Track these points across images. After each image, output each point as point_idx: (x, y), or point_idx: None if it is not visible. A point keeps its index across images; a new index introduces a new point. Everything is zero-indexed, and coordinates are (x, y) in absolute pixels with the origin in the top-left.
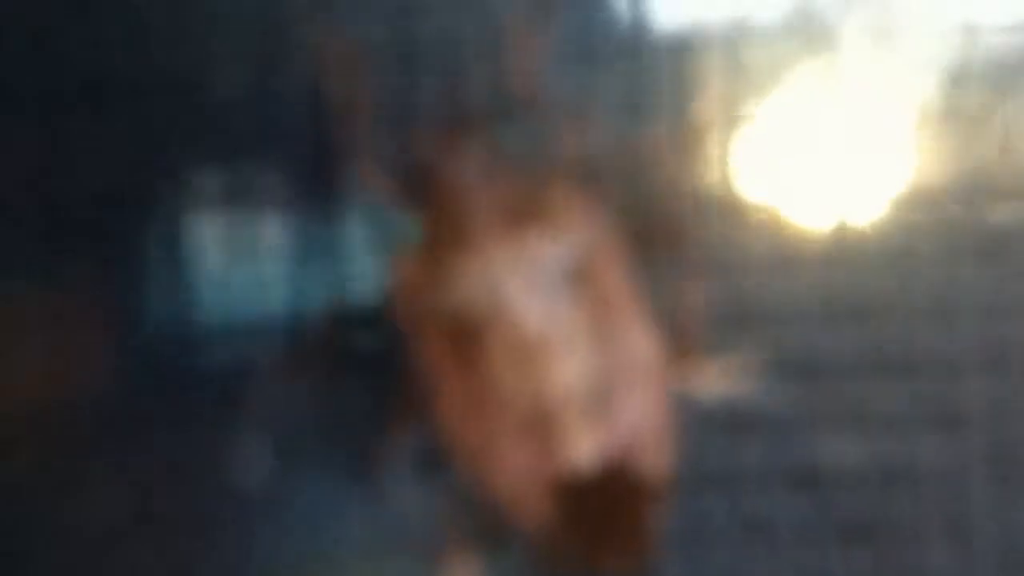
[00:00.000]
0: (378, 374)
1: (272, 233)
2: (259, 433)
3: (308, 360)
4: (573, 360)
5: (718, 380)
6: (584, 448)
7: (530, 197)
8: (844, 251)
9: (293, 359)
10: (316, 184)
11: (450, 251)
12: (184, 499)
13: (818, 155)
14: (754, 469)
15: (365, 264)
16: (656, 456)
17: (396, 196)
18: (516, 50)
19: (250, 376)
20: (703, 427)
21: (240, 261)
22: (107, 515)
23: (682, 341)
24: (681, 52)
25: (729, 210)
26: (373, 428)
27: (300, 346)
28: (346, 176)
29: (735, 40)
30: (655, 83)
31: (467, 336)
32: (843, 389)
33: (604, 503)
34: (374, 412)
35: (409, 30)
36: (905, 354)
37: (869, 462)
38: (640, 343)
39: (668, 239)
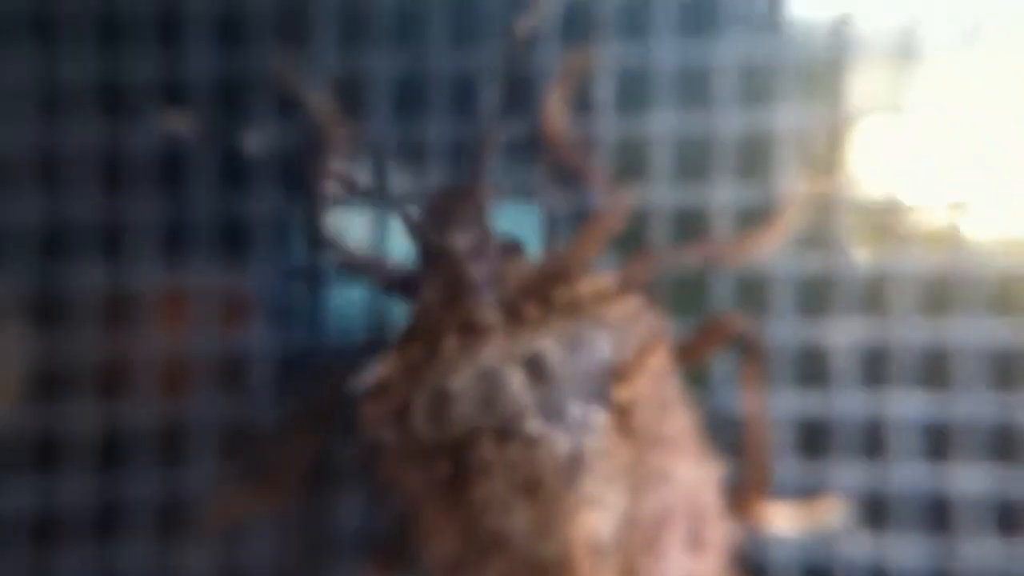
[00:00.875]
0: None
1: None
2: None
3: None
4: (601, 500)
5: (793, 523)
6: None
7: (553, 284)
8: None
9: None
10: None
11: (444, 350)
12: None
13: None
14: None
15: None
16: None
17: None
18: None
19: None
20: None
21: None
22: None
23: (748, 476)
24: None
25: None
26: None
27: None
28: None
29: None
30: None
31: (465, 462)
32: None
33: None
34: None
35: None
36: None
37: None
38: (689, 480)
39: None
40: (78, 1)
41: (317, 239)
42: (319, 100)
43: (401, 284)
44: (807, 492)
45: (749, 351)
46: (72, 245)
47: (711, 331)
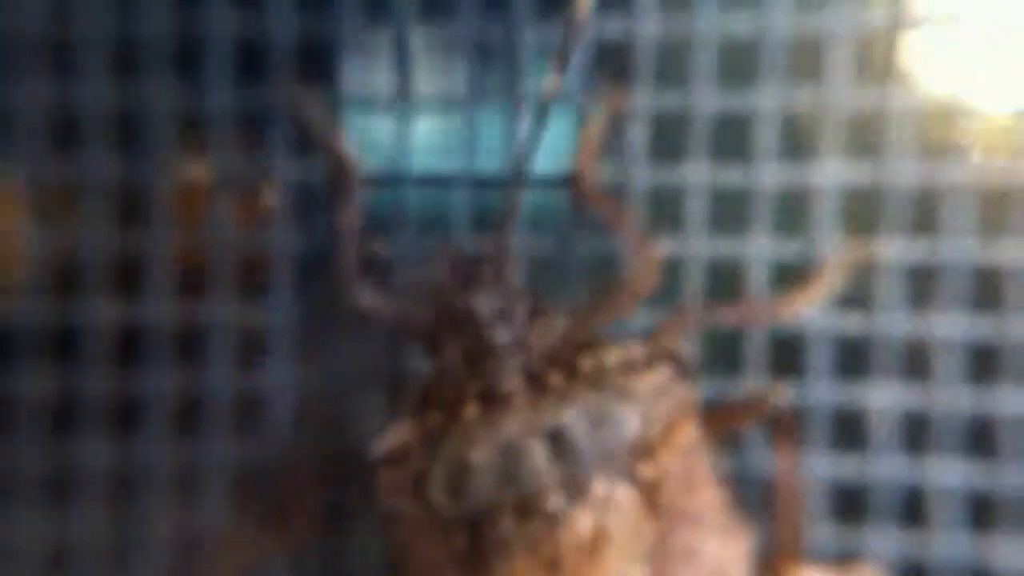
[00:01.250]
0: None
1: None
2: None
3: None
4: None
5: None
6: None
7: (579, 351)
8: None
9: None
10: None
11: (464, 419)
12: None
13: None
14: None
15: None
16: None
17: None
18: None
19: None
20: None
21: None
22: None
23: (780, 542)
24: None
25: None
26: None
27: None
28: None
29: None
30: None
31: (483, 537)
32: None
33: None
34: None
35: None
36: None
37: None
38: (718, 558)
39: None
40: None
41: (340, 284)
42: (338, 138)
43: (423, 338)
44: (842, 558)
45: (781, 423)
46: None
47: (743, 404)
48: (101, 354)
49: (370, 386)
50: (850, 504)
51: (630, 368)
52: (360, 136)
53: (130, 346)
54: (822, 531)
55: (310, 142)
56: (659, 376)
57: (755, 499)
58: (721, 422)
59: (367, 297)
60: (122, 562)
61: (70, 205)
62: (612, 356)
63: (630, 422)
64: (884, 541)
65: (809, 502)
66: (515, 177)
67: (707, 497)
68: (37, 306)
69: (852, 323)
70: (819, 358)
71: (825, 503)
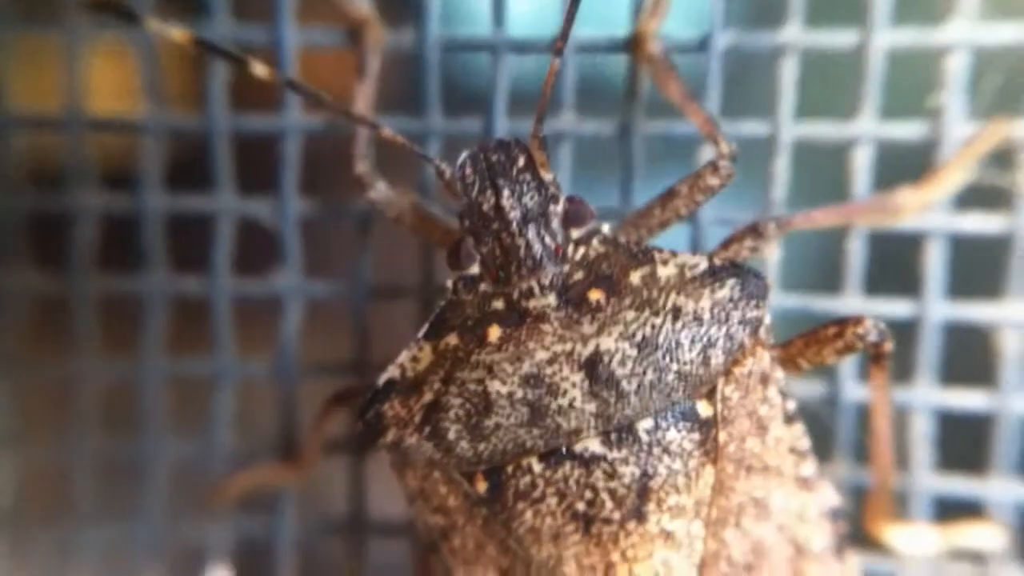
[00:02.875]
0: None
1: None
2: None
3: None
4: (677, 539)
5: (931, 549)
6: None
7: (628, 262)
8: None
9: None
10: None
11: (485, 342)
12: None
13: None
14: None
15: None
16: None
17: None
18: None
19: None
20: None
21: None
22: None
23: (876, 495)
24: None
25: None
26: None
27: None
28: None
29: None
30: None
31: (505, 484)
32: None
33: None
34: None
35: None
36: None
37: None
38: (791, 513)
39: None
40: None
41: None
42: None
43: (443, 244)
44: (956, 511)
45: (878, 359)
46: None
47: (832, 334)
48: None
49: (397, 298)
50: (967, 447)
51: (689, 283)
52: None
53: (124, 246)
54: (931, 480)
55: None
56: (725, 293)
57: (848, 438)
58: (804, 352)
59: (381, 191)
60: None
61: None
62: (668, 268)
63: (686, 348)
64: (1007, 491)
65: (918, 445)
66: (557, 39)
67: (779, 440)
68: None
69: (980, 224)
70: (936, 270)
71: (938, 445)
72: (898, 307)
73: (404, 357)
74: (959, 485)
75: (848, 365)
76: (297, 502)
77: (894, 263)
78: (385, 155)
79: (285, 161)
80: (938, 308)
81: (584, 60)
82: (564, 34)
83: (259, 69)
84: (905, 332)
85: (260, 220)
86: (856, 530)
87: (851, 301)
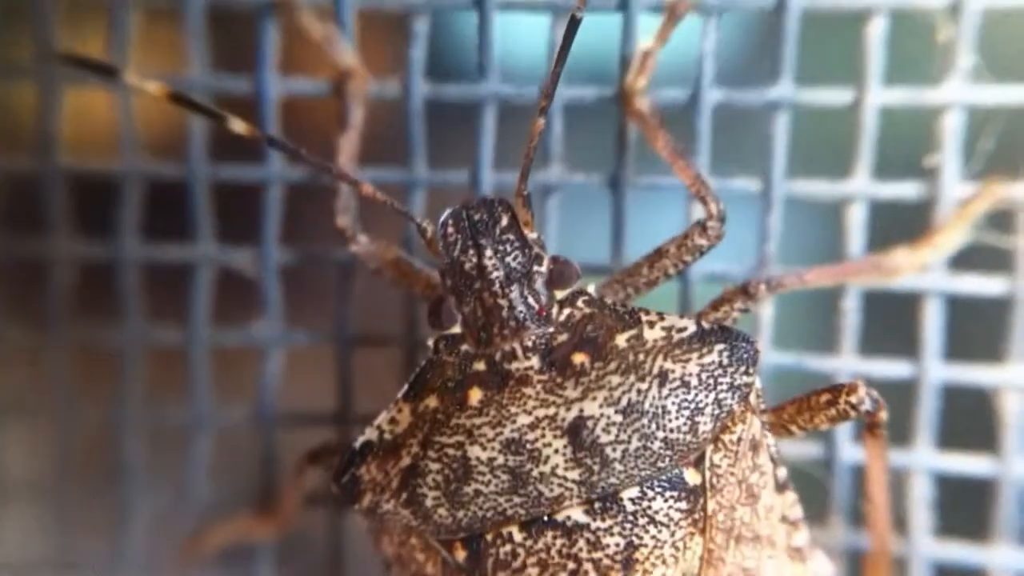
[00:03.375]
0: None
1: None
2: None
3: None
4: None
5: None
6: None
7: (614, 325)
8: None
9: None
10: None
11: (466, 406)
12: None
13: None
14: None
15: None
16: None
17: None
18: None
19: None
20: None
21: None
22: None
23: (873, 563)
24: None
25: None
26: None
27: None
28: None
29: None
30: None
31: (485, 553)
32: None
33: None
34: None
35: None
36: None
37: None
38: None
39: None
40: None
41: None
42: (340, 47)
43: (425, 302)
44: None
45: (872, 428)
46: None
47: (824, 402)
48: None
49: (381, 347)
50: (969, 513)
51: (676, 346)
52: None
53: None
54: (931, 545)
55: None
56: (713, 358)
57: (844, 501)
58: (795, 419)
59: (363, 243)
60: None
61: None
62: (654, 331)
63: (673, 414)
64: (1010, 558)
65: (917, 510)
66: (541, 98)
67: (771, 509)
68: None
69: (978, 286)
70: (934, 331)
71: (940, 510)
72: (895, 368)
73: (382, 419)
74: (960, 551)
75: (844, 427)
76: (275, 555)
77: (890, 321)
78: (370, 205)
79: (267, 210)
80: (937, 369)
81: (572, 107)
82: (549, 93)
83: (237, 125)
84: (903, 392)
85: (241, 270)
86: None
87: (846, 360)
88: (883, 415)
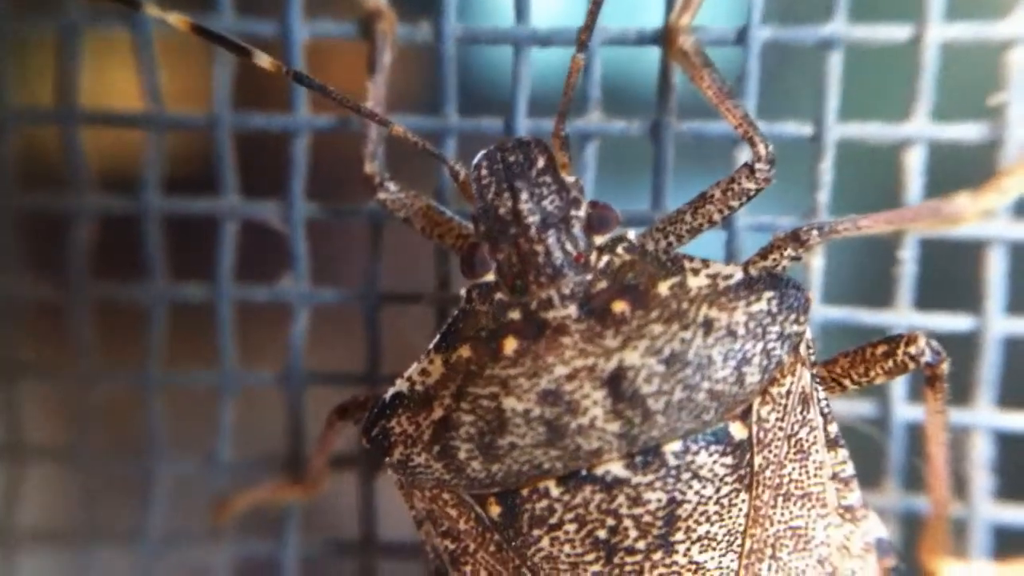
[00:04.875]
0: None
1: None
2: None
3: None
4: (707, 572)
5: None
6: None
7: (656, 271)
8: None
9: None
10: None
11: (501, 355)
12: None
13: None
14: None
15: None
16: None
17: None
18: None
19: None
20: None
21: None
22: None
23: (931, 526)
24: None
25: None
26: None
27: None
28: None
29: None
30: None
31: (520, 508)
32: None
33: None
34: None
35: None
36: None
37: None
38: (833, 545)
39: None
40: None
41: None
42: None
43: (458, 249)
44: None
45: (933, 381)
46: None
47: (881, 353)
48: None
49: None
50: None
51: (722, 294)
52: None
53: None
54: (992, 509)
55: None
56: (762, 306)
57: (900, 463)
58: (849, 372)
59: (391, 191)
60: None
61: None
62: (699, 278)
63: (718, 365)
64: None
65: (977, 471)
66: (581, 32)
67: (820, 466)
68: None
69: None
70: (997, 282)
71: (1001, 472)
72: (955, 321)
73: (413, 370)
74: (1022, 515)
75: (900, 383)
76: (304, 520)
77: (949, 273)
78: (400, 158)
79: (294, 161)
80: (1000, 323)
81: (613, 54)
82: (589, 26)
83: (263, 60)
84: (963, 348)
85: (267, 223)
86: (908, 565)
87: (903, 314)
88: (945, 367)
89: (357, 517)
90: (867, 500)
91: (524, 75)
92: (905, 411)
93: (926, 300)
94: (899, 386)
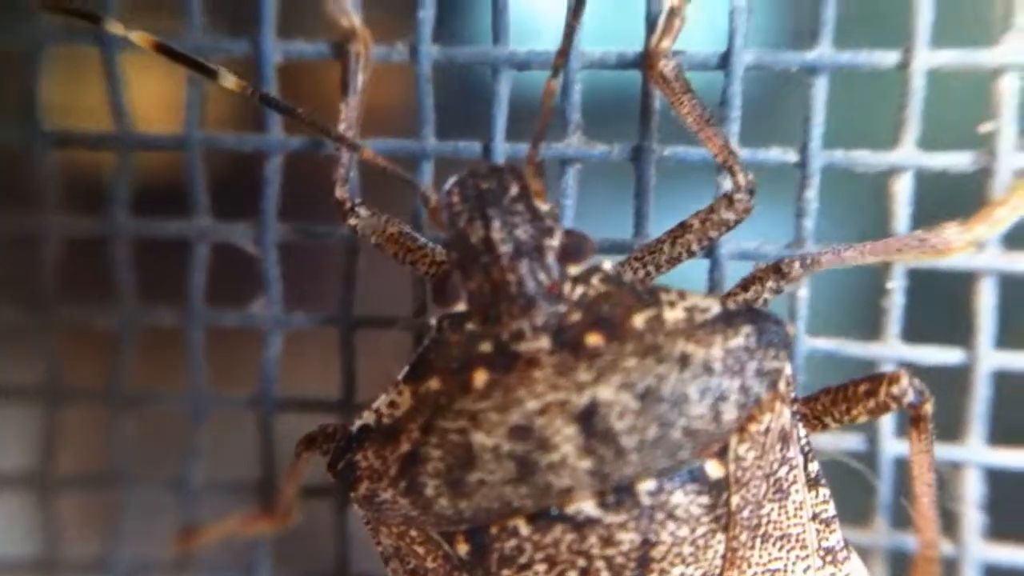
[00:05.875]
0: None
1: None
2: None
3: None
4: None
5: None
6: None
7: (631, 304)
8: None
9: None
10: None
11: (470, 389)
12: None
13: None
14: None
15: None
16: None
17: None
18: None
19: None
20: None
21: None
22: None
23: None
24: None
25: None
26: None
27: None
28: None
29: None
30: None
31: (488, 547)
32: None
33: None
34: None
35: None
36: None
37: None
38: None
39: None
40: None
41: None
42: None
43: (429, 278)
44: None
45: (918, 421)
46: None
47: (863, 392)
48: None
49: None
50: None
51: (699, 328)
52: None
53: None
54: (983, 548)
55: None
56: (739, 341)
57: (888, 499)
58: (830, 410)
59: (362, 216)
60: None
61: None
62: (675, 311)
63: (694, 401)
64: None
65: (967, 509)
66: (559, 56)
67: (800, 506)
68: None
69: None
70: (987, 314)
71: (992, 509)
72: (945, 355)
73: (382, 401)
74: (1014, 554)
75: (888, 417)
76: (276, 553)
77: (935, 305)
78: (379, 179)
79: (267, 181)
80: (990, 356)
81: (595, 76)
82: (565, 50)
83: (229, 81)
84: (952, 382)
85: (239, 245)
86: None
87: (891, 346)
88: (929, 407)
89: (333, 549)
90: (853, 539)
91: (502, 99)
92: (893, 446)
93: (913, 331)
94: (887, 421)
